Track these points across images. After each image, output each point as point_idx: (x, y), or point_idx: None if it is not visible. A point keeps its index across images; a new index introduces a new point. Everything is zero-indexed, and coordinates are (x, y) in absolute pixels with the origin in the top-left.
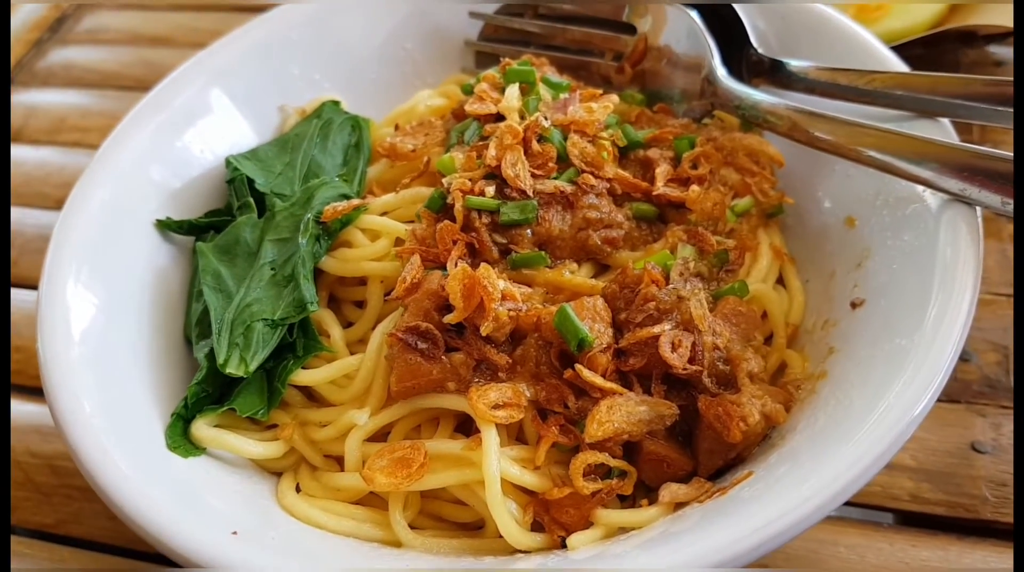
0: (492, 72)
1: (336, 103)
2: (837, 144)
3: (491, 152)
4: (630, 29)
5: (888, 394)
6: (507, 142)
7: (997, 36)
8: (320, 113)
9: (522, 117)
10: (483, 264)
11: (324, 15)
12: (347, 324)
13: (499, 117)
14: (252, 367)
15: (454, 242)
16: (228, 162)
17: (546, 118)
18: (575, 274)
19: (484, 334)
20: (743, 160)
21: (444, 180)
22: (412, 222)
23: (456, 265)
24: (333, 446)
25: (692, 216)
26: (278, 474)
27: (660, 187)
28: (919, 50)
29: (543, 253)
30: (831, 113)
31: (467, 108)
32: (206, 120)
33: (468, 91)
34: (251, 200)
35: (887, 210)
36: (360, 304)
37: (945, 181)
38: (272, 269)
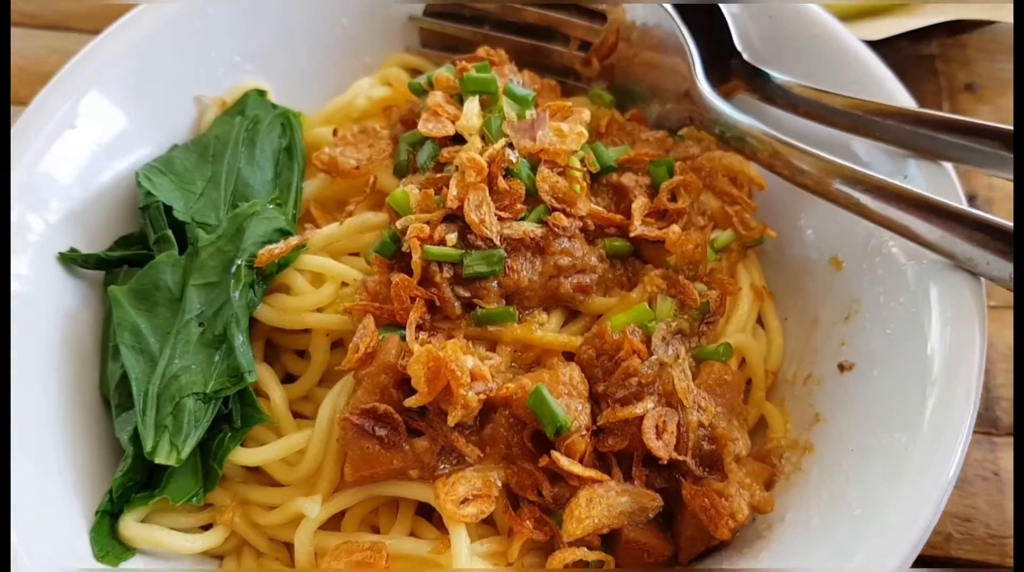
0: (445, 73)
1: (261, 93)
2: (825, 188)
3: (452, 191)
4: (600, 17)
5: (888, 507)
6: (470, 180)
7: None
8: (243, 107)
9: (483, 137)
10: (450, 343)
11: None
12: (286, 375)
13: (457, 137)
14: (184, 454)
15: (412, 299)
16: (139, 179)
17: (512, 147)
18: (545, 327)
19: (452, 424)
20: (722, 183)
21: (398, 223)
22: (357, 254)
23: (415, 329)
24: (280, 532)
25: (671, 259)
26: (220, 556)
27: (638, 226)
28: (904, 43)
29: (511, 309)
30: (818, 151)
31: (421, 129)
32: (106, 123)
33: (417, 90)
34: (169, 233)
35: (880, 259)
36: (302, 353)
37: (952, 244)
38: (200, 324)
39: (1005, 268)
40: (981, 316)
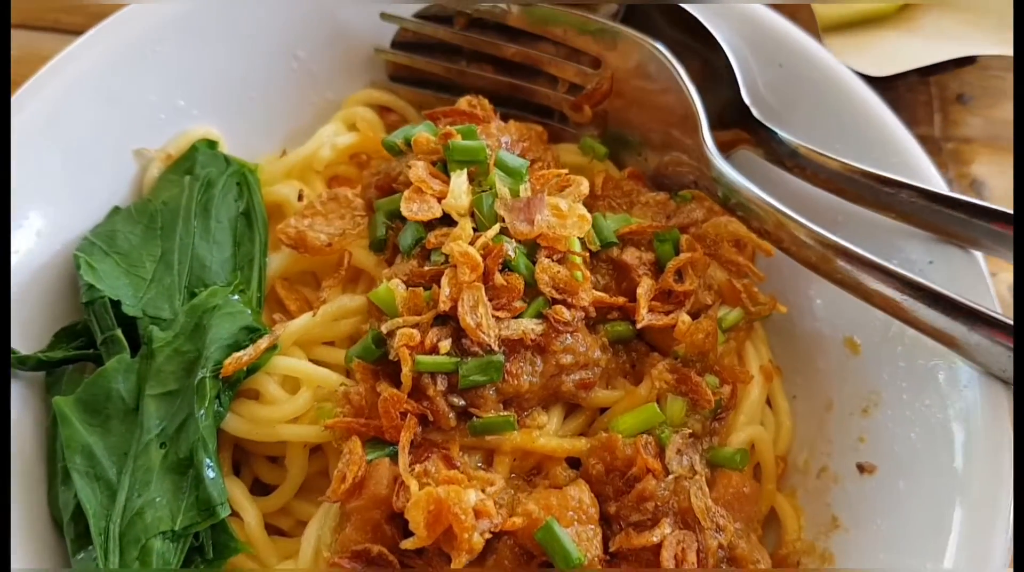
0: (425, 134)
1: (212, 144)
2: (830, 267)
3: (444, 291)
4: (593, 62)
5: None
6: (464, 278)
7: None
8: (192, 163)
9: (472, 215)
10: (452, 488)
11: (186, 19)
12: (256, 481)
13: (445, 217)
14: None
15: (402, 415)
16: (79, 263)
17: (506, 231)
18: (545, 431)
19: (458, 568)
20: (728, 251)
21: (384, 327)
22: (332, 343)
23: (408, 450)
24: None
25: (679, 348)
26: None
27: (644, 316)
28: (914, 77)
29: (511, 417)
30: (823, 231)
31: (404, 211)
32: (36, 183)
33: (392, 149)
34: (119, 333)
35: (901, 350)
36: (276, 459)
37: (981, 354)
38: (162, 445)
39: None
40: (1011, 431)
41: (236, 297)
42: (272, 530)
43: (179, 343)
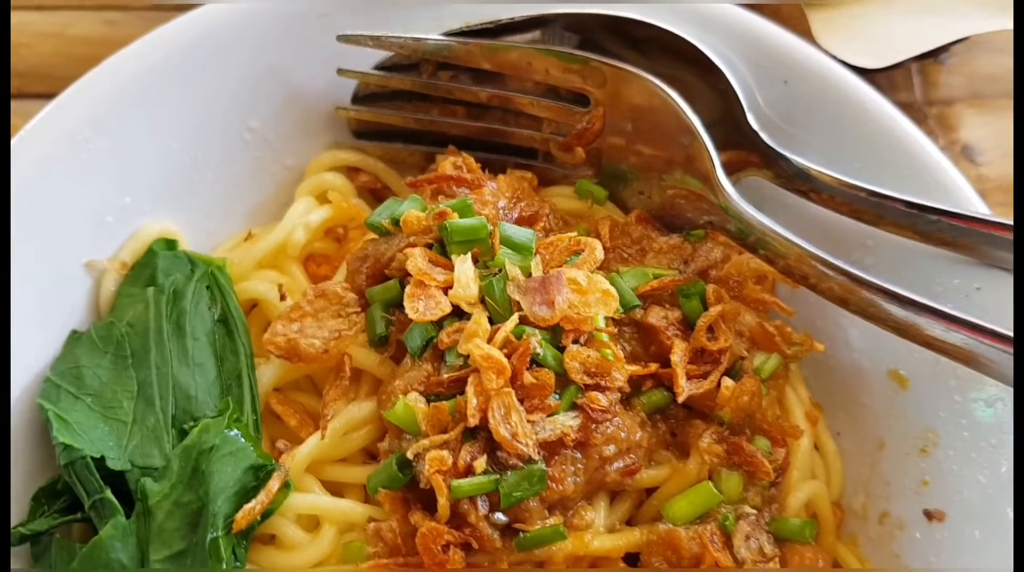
0: (414, 213)
1: (171, 243)
2: (859, 301)
3: (472, 402)
4: (581, 99)
5: None
6: (491, 386)
7: None
8: (152, 270)
9: (483, 301)
10: None
11: (117, 107)
12: None
13: (455, 309)
14: None
15: (443, 547)
16: (47, 415)
17: (526, 322)
18: (595, 529)
19: None
20: (753, 291)
21: (409, 452)
22: (345, 459)
23: None
24: None
25: (723, 413)
26: None
27: (684, 387)
28: (912, 62)
29: (560, 526)
30: (856, 271)
31: (410, 312)
32: None
33: (378, 229)
34: (109, 495)
35: (955, 384)
36: None
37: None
38: None
39: None
40: None
41: (234, 432)
42: None
43: (177, 494)
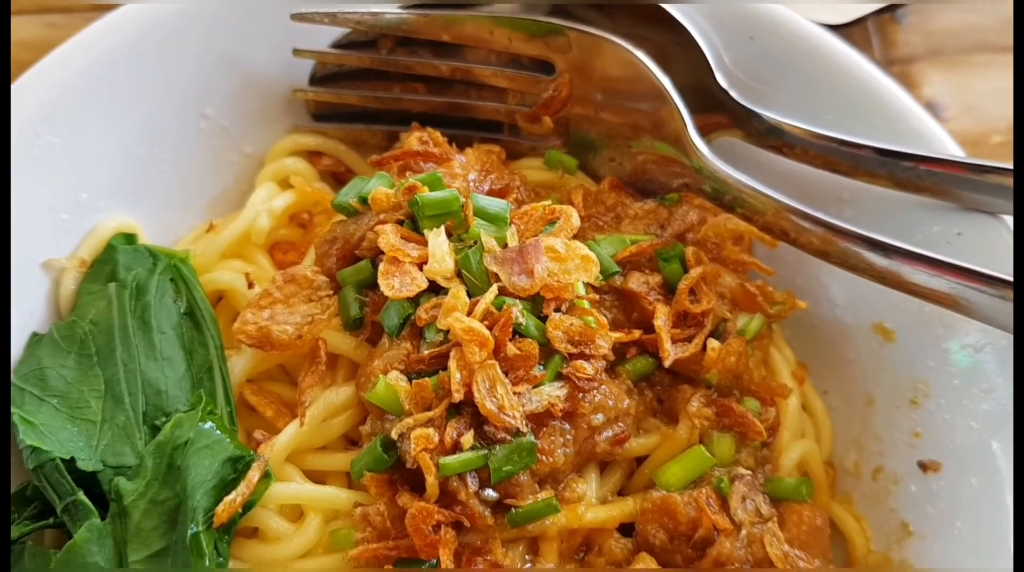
0: (382, 189)
1: (130, 238)
2: (839, 253)
3: (455, 377)
4: (545, 67)
5: None
6: (474, 358)
7: None
8: (113, 266)
9: (460, 275)
10: None
11: (66, 99)
12: None
13: (432, 285)
14: None
15: (434, 528)
16: (12, 419)
17: (506, 293)
18: (587, 501)
19: None
20: (732, 252)
21: (393, 432)
22: (325, 447)
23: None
24: None
25: (711, 376)
26: None
27: (670, 351)
28: (871, 17)
29: (552, 500)
30: (824, 216)
31: (385, 289)
32: None
33: (345, 210)
34: (81, 497)
35: (943, 331)
36: None
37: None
38: None
39: None
40: None
41: (208, 425)
42: None
43: (153, 492)
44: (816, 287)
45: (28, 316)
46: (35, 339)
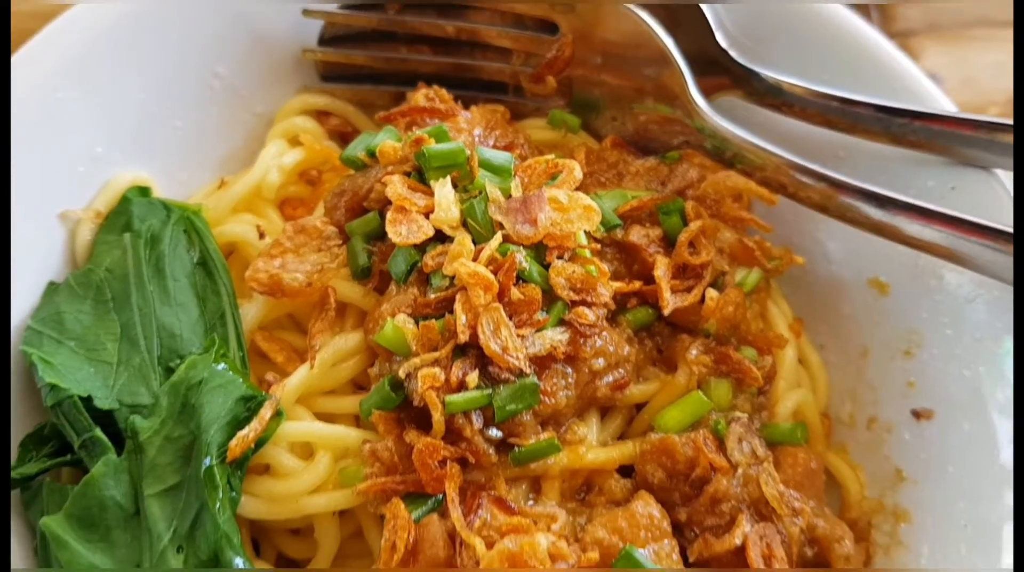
0: (390, 142)
1: (144, 191)
2: (837, 206)
3: (460, 320)
4: (548, 27)
5: None
6: (479, 301)
7: None
8: (128, 217)
9: (465, 224)
10: (523, 540)
11: (84, 57)
12: (279, 557)
13: (438, 233)
14: None
15: (440, 463)
16: (31, 359)
17: (510, 241)
18: (588, 443)
19: None
20: (731, 209)
21: (400, 370)
22: (333, 392)
23: (457, 504)
24: None
25: (709, 325)
26: None
27: (669, 300)
28: None
29: (554, 440)
30: (822, 169)
31: (392, 236)
32: None
33: (353, 163)
34: (98, 433)
35: (935, 284)
36: (297, 531)
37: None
38: (179, 549)
39: None
40: None
41: (221, 366)
42: None
43: (168, 429)
44: (813, 244)
45: (44, 266)
46: (52, 287)
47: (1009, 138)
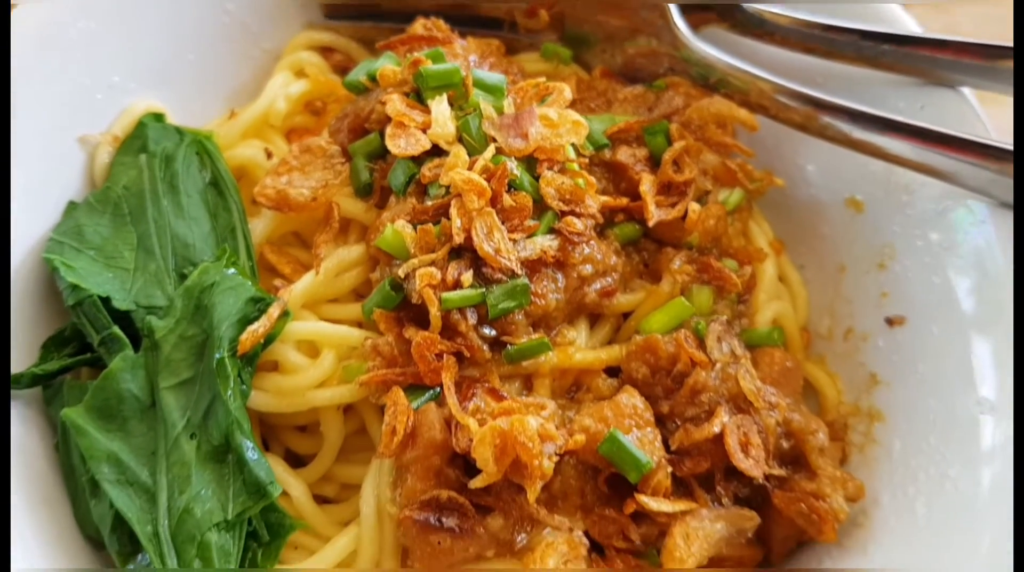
0: (389, 66)
1: (159, 117)
2: (817, 125)
3: (456, 223)
4: None
5: (1002, 485)
6: (473, 206)
7: None
8: (144, 140)
9: (460, 139)
10: (514, 418)
11: None
12: (287, 452)
13: (435, 148)
14: None
15: (438, 356)
16: (54, 265)
17: (505, 153)
18: (577, 345)
19: (534, 499)
20: (715, 134)
21: (400, 270)
22: (336, 300)
23: (453, 392)
24: None
25: (692, 238)
26: None
27: (654, 212)
28: None
29: (544, 339)
30: (805, 89)
31: (392, 147)
32: None
33: (356, 88)
34: (117, 330)
35: (908, 199)
36: (304, 428)
37: (994, 187)
38: (192, 436)
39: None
40: None
41: (231, 270)
42: (317, 500)
43: (182, 329)
44: (793, 169)
45: (64, 187)
46: (72, 206)
47: (977, 60)
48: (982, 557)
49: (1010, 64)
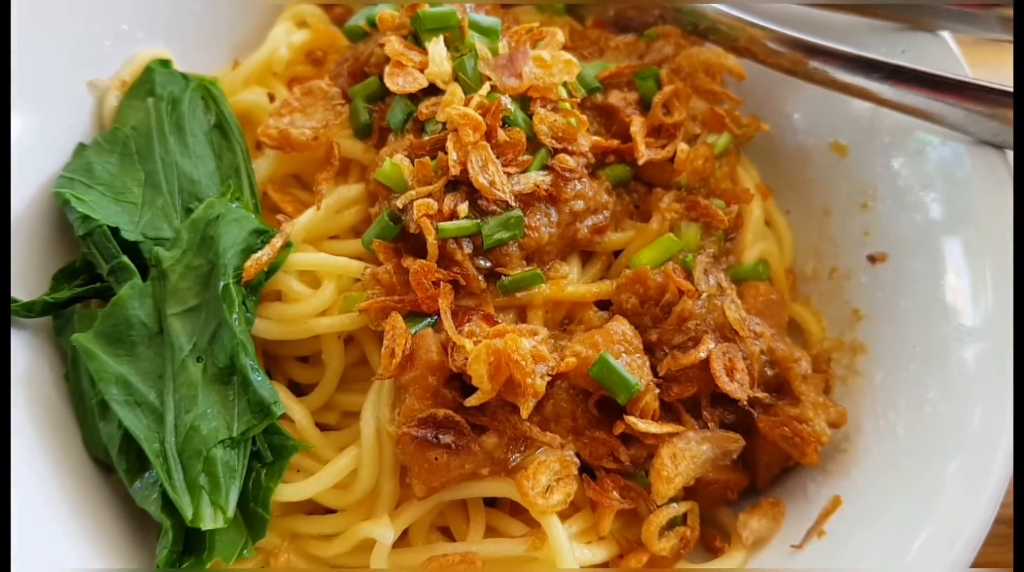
0: (388, 11)
1: (166, 63)
2: (804, 69)
3: (452, 156)
4: None
5: (981, 404)
6: (468, 139)
7: None
8: (151, 85)
9: (456, 79)
10: (507, 337)
11: None
12: (290, 382)
13: (431, 87)
14: (231, 512)
15: (434, 284)
16: (65, 198)
17: (500, 91)
18: (570, 279)
19: (527, 416)
20: (704, 81)
21: (398, 202)
22: (337, 237)
23: (449, 316)
24: (347, 560)
25: (680, 178)
26: None
27: (644, 152)
28: None
29: (537, 271)
30: (791, 32)
31: (391, 85)
32: None
33: (355, 34)
34: (125, 259)
35: (889, 139)
36: (305, 359)
37: (955, 115)
38: (198, 360)
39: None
40: (1011, 193)
41: (235, 205)
42: (319, 428)
43: (189, 259)
44: (780, 117)
45: (73, 129)
46: (81, 147)
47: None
48: (958, 474)
49: (999, 10)
